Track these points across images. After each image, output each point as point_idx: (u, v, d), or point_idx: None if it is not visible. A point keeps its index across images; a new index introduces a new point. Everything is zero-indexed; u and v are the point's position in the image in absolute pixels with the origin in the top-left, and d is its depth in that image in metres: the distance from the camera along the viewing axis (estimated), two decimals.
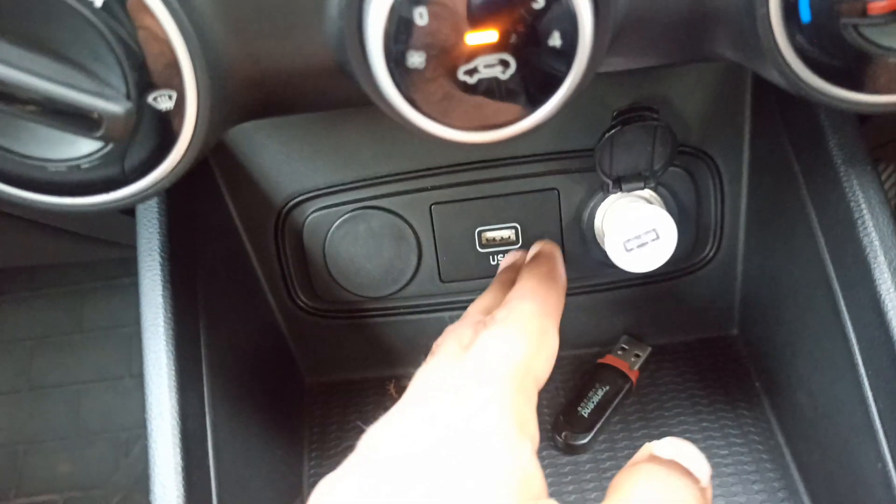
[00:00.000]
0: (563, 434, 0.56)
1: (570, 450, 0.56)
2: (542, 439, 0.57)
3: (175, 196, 0.48)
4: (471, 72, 0.28)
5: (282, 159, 0.53)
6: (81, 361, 1.31)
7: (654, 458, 0.29)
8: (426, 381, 0.32)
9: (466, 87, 0.29)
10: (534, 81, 0.29)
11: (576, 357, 0.62)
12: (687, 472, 0.28)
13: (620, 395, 0.57)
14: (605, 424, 0.57)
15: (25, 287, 1.38)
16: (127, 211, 0.50)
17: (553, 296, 0.39)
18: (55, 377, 1.30)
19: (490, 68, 0.28)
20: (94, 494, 1.18)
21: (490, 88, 0.29)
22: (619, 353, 0.60)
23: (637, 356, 0.60)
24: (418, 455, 0.27)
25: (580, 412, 0.57)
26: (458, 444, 0.27)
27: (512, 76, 0.29)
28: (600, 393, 0.57)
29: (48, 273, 1.38)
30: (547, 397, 0.60)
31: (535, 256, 0.45)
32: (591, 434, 0.56)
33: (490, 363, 0.31)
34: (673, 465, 0.29)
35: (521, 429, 0.28)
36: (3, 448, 1.24)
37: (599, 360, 0.60)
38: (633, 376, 0.58)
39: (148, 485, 0.41)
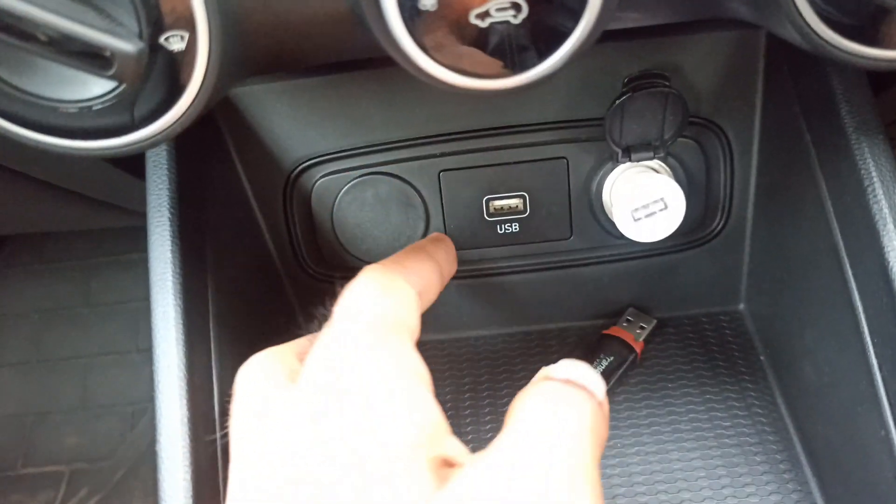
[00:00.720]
0: None
1: None
2: None
3: (185, 157, 0.48)
4: (482, 15, 0.28)
5: (291, 123, 0.53)
6: (89, 335, 1.32)
7: (548, 378, 0.30)
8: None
9: (477, 32, 0.29)
10: (546, 27, 0.29)
11: (581, 328, 0.62)
12: (581, 387, 0.29)
13: (625, 366, 0.57)
14: (609, 394, 0.57)
15: (33, 260, 1.39)
16: (138, 173, 0.51)
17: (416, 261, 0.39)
18: (63, 350, 1.31)
19: (502, 12, 0.28)
20: (101, 466, 1.19)
21: (501, 33, 0.29)
22: (625, 324, 0.60)
23: (642, 328, 0.60)
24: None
25: None
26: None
27: (524, 21, 0.29)
28: (604, 363, 0.57)
29: (56, 246, 1.39)
30: None
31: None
32: None
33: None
34: (567, 382, 0.30)
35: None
36: (11, 419, 1.25)
37: (604, 332, 0.60)
38: (638, 348, 0.58)
39: (155, 453, 0.41)
